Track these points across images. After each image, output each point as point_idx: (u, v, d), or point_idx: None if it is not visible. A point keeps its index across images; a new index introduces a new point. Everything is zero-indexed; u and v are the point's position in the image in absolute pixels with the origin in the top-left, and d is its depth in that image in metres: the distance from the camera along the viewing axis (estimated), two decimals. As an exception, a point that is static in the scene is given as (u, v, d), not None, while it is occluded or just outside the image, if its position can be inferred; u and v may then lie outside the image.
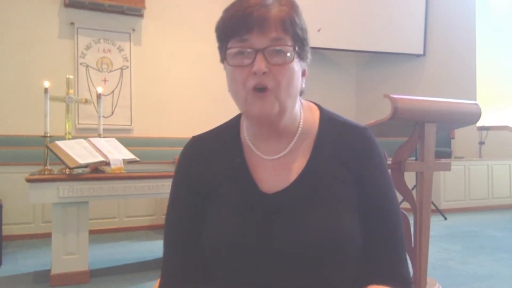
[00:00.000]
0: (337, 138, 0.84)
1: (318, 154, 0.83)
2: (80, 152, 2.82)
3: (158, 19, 5.74)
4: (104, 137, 3.26)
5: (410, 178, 2.34)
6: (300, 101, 0.86)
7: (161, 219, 4.61)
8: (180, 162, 0.91)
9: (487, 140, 6.30)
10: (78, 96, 4.81)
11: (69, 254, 2.76)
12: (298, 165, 0.83)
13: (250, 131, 0.86)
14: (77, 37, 5.25)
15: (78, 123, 5.15)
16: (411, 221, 2.15)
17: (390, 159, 2.10)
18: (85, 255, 2.81)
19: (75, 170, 2.79)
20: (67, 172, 2.78)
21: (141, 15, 5.60)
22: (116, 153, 3.01)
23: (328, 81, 7.01)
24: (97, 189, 2.77)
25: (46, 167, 2.86)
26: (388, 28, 6.71)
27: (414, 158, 3.89)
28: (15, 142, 4.67)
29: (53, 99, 3.12)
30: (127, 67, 5.51)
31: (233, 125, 0.91)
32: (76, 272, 2.75)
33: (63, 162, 2.74)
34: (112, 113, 5.41)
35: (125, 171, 2.94)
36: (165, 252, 0.88)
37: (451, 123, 2.32)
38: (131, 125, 5.52)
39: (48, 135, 2.94)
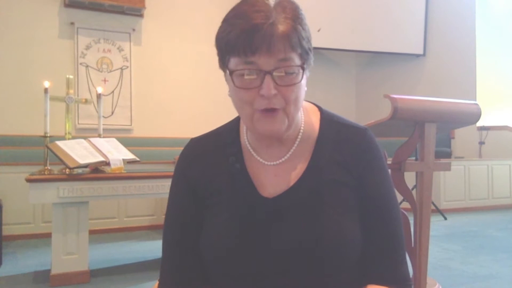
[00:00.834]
0: (337, 139, 0.84)
1: (318, 157, 0.82)
2: (80, 152, 2.82)
3: (158, 19, 5.74)
4: (104, 137, 3.26)
5: (410, 178, 2.34)
6: (302, 104, 0.85)
7: (161, 219, 4.61)
8: (178, 164, 0.90)
9: (487, 140, 6.30)
10: (78, 96, 4.81)
11: (69, 254, 2.76)
12: (298, 170, 0.82)
13: (251, 137, 0.85)
14: (77, 37, 5.25)
15: (78, 123, 5.15)
16: (411, 221, 2.15)
17: (390, 159, 2.10)
18: (85, 255, 2.81)
19: (75, 170, 2.79)
20: (67, 172, 2.78)
21: (141, 15, 5.60)
22: (116, 153, 3.01)
23: (328, 81, 7.01)
24: (97, 189, 2.77)
25: (46, 167, 2.86)
26: (388, 28, 6.71)
27: (414, 158, 3.88)
28: (15, 142, 4.67)
29: (53, 99, 3.11)
30: (127, 67, 5.51)
31: (232, 127, 0.89)
32: (76, 272, 2.75)
33: (63, 162, 2.74)
34: (112, 113, 5.41)
35: (125, 171, 2.94)
36: (164, 254, 0.87)
37: (451, 123, 2.32)
38: (131, 125, 5.52)
39: (48, 135, 2.93)
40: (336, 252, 0.76)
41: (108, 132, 4.48)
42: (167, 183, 2.90)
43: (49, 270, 2.81)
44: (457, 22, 6.64)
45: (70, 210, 2.75)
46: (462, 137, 6.35)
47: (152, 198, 4.48)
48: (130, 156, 3.09)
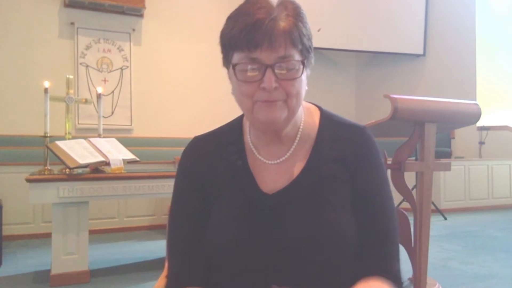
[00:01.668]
0: (335, 137, 0.86)
1: (317, 155, 0.85)
2: (80, 152, 2.82)
3: (158, 19, 5.74)
4: (104, 137, 3.26)
5: (410, 178, 2.34)
6: (303, 103, 0.87)
7: (161, 219, 4.61)
8: (181, 163, 0.92)
9: (487, 140, 6.30)
10: (78, 96, 4.81)
11: (69, 254, 2.76)
12: (298, 167, 0.84)
13: (253, 135, 0.87)
14: (77, 37, 5.25)
15: (78, 123, 5.15)
16: (411, 221, 2.15)
17: (390, 159, 2.10)
18: (85, 255, 2.81)
19: (75, 170, 2.79)
20: (67, 172, 2.78)
21: (141, 15, 5.60)
22: (116, 153, 3.01)
23: (328, 81, 7.01)
24: (97, 189, 2.77)
25: (46, 167, 2.86)
26: (388, 28, 6.71)
27: (414, 158, 3.89)
28: (15, 142, 4.67)
29: (53, 99, 3.11)
30: (127, 67, 5.51)
31: (235, 126, 0.91)
32: (76, 272, 2.75)
33: (63, 162, 2.74)
34: (112, 113, 5.41)
35: (125, 171, 2.94)
36: (170, 250, 0.88)
37: (451, 123, 2.32)
38: (131, 125, 5.52)
39: (48, 135, 2.93)
40: (334, 247, 0.78)
41: (108, 132, 4.48)
42: (167, 183, 2.90)
43: (49, 270, 2.81)
44: (457, 22, 6.64)
45: (70, 210, 2.75)
46: (462, 137, 6.36)
47: (152, 198, 4.48)
48: (130, 156, 3.09)
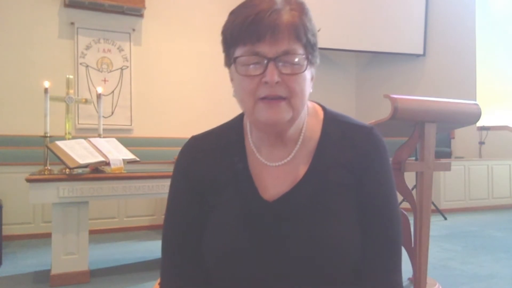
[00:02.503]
0: (340, 139, 0.82)
1: (320, 159, 0.81)
2: (80, 152, 2.82)
3: (158, 19, 5.74)
4: (104, 137, 3.26)
5: (410, 178, 2.34)
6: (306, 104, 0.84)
7: (161, 219, 4.61)
8: (179, 163, 0.89)
9: (487, 140, 6.30)
10: (78, 96, 4.81)
11: (69, 254, 2.76)
12: (300, 172, 0.80)
13: (255, 136, 0.84)
14: (77, 37, 5.25)
15: (78, 123, 5.15)
16: (411, 221, 2.15)
17: (390, 159, 2.11)
18: (85, 255, 2.81)
19: (75, 170, 2.79)
20: (67, 172, 2.78)
21: (141, 15, 5.60)
22: (116, 153, 3.01)
23: (328, 81, 7.01)
24: (97, 189, 2.77)
25: (46, 167, 2.86)
26: (388, 28, 6.71)
27: (414, 158, 3.88)
28: (15, 142, 4.67)
29: (53, 99, 3.11)
30: (127, 67, 5.51)
31: (236, 126, 0.87)
32: (76, 272, 2.75)
33: (63, 162, 2.74)
34: (112, 113, 5.41)
35: (125, 171, 2.94)
36: (164, 254, 0.86)
37: (451, 123, 2.32)
38: (131, 125, 5.52)
39: (48, 135, 2.93)
40: (336, 256, 0.75)
41: (108, 132, 4.48)
42: (167, 183, 2.87)
43: (49, 270, 2.81)
44: (457, 22, 6.64)
45: (70, 210, 2.75)
46: (462, 137, 6.35)
47: (152, 198, 4.48)
48: (130, 156, 3.09)
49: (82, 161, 2.74)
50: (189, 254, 0.83)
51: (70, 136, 3.14)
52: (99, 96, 3.38)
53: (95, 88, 4.67)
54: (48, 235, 3.05)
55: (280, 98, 0.73)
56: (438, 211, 5.22)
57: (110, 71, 5.42)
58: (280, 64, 0.72)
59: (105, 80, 5.37)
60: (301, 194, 0.78)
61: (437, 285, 2.44)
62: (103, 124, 3.41)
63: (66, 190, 2.68)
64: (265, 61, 0.72)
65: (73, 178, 2.72)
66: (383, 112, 2.27)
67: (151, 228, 4.58)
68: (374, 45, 6.76)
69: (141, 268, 3.16)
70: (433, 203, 4.70)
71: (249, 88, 0.74)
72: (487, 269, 3.06)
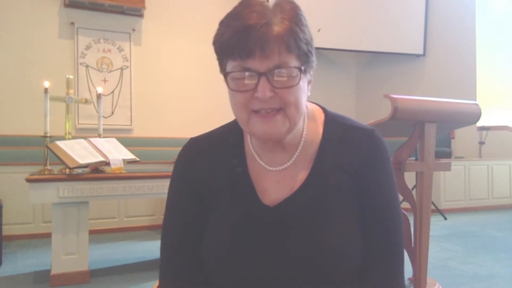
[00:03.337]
0: (341, 142, 0.80)
1: (321, 163, 0.79)
2: (80, 152, 2.82)
3: (158, 19, 5.74)
4: (104, 137, 3.26)
5: (410, 178, 2.34)
6: (306, 107, 0.82)
7: (161, 219, 4.54)
8: (178, 164, 0.88)
9: (487, 140, 6.30)
10: (78, 96, 4.81)
11: (69, 254, 2.76)
12: (301, 176, 0.79)
13: (255, 141, 0.82)
14: (77, 37, 5.25)
15: (78, 123, 5.15)
16: (411, 221, 2.15)
17: (390, 159, 2.11)
18: (85, 255, 2.81)
19: (75, 170, 2.79)
20: (67, 172, 2.78)
21: (141, 15, 5.60)
22: (116, 153, 3.01)
23: (328, 81, 7.01)
24: (97, 189, 2.77)
25: (46, 167, 2.86)
26: (388, 28, 6.71)
27: (414, 158, 3.88)
28: (15, 142, 4.67)
29: (53, 99, 3.11)
30: (127, 67, 5.51)
31: (235, 128, 0.84)
32: (76, 272, 2.75)
33: (63, 162, 2.74)
34: (112, 113, 5.41)
35: (125, 171, 2.94)
36: (163, 255, 0.86)
37: (451, 123, 2.32)
38: (131, 125, 5.52)
39: (48, 135, 2.93)
40: (337, 261, 0.74)
41: (108, 132, 4.48)
42: (167, 183, 2.86)
43: (49, 270, 2.81)
44: (457, 22, 6.64)
45: (70, 210, 2.75)
46: (462, 137, 6.35)
47: (152, 198, 4.48)
48: (130, 156, 3.09)
49: (82, 161, 2.74)
50: (188, 255, 0.83)
51: (70, 136, 3.14)
52: (99, 96, 3.38)
53: (95, 88, 4.67)
54: (48, 235, 3.05)
55: (275, 110, 0.72)
56: (438, 211, 5.22)
57: (110, 71, 5.42)
58: (272, 77, 0.70)
59: (105, 80, 5.37)
60: (302, 199, 0.77)
61: (437, 285, 2.44)
62: (103, 124, 3.41)
63: (66, 190, 2.68)
64: (257, 76, 0.70)
65: (73, 178, 2.72)
66: (383, 112, 2.27)
67: (151, 228, 4.58)
68: (374, 45, 6.76)
69: (141, 268, 3.16)
70: (433, 203, 4.70)
71: (242, 102, 0.72)
72: (487, 269, 3.06)
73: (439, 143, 4.21)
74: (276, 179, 0.80)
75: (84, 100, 3.41)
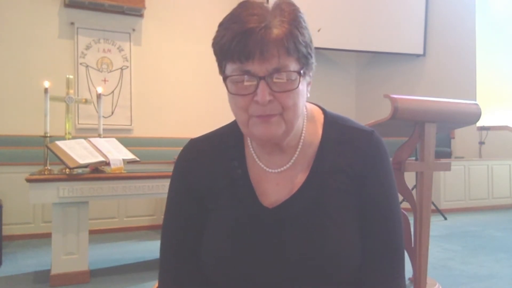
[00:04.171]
0: (340, 143, 0.81)
1: (320, 165, 0.79)
2: (80, 152, 2.82)
3: (158, 19, 5.74)
4: (104, 137, 3.26)
5: (410, 178, 2.34)
6: (305, 108, 0.83)
7: (161, 219, 4.56)
8: (177, 166, 0.88)
9: (487, 140, 6.30)
10: (78, 96, 4.81)
11: (69, 254, 2.76)
12: (300, 178, 0.79)
13: (254, 143, 0.83)
14: (77, 37, 5.25)
15: (78, 123, 5.15)
16: (411, 221, 2.15)
17: (390, 159, 2.11)
18: (85, 255, 2.81)
19: (75, 170, 2.79)
20: (67, 172, 2.78)
21: (141, 15, 5.60)
22: (116, 153, 3.01)
23: (328, 81, 7.01)
24: (97, 189, 2.77)
25: (46, 167, 2.86)
26: (388, 28, 6.71)
27: (414, 158, 3.88)
28: (15, 142, 4.67)
29: (53, 99, 3.11)
30: (127, 67, 5.51)
31: (235, 129, 0.84)
32: (76, 272, 2.75)
33: (63, 162, 2.74)
34: (112, 113, 5.41)
35: (125, 171, 2.94)
36: (162, 258, 0.86)
37: (451, 123, 2.32)
38: (131, 125, 5.52)
39: (48, 135, 2.93)
40: (336, 263, 0.74)
41: (108, 132, 4.48)
42: (167, 183, 2.87)
43: (49, 270, 2.81)
44: (457, 22, 6.64)
45: (70, 210, 2.75)
46: (462, 137, 6.35)
47: (152, 198, 4.48)
48: (130, 156, 3.09)
49: (82, 161, 2.74)
50: (188, 256, 0.83)
51: (70, 136, 3.14)
52: (99, 96, 3.38)
53: (95, 88, 4.67)
54: (48, 235, 3.05)
55: (273, 114, 0.72)
56: (438, 211, 5.22)
57: (110, 71, 5.42)
58: (271, 81, 0.70)
59: (105, 80, 5.37)
60: (301, 201, 0.77)
61: (437, 285, 2.44)
62: (103, 124, 3.41)
63: (66, 190, 2.69)
64: (256, 80, 0.70)
65: (73, 178, 2.72)
66: (383, 112, 2.27)
67: (151, 228, 4.58)
68: (374, 45, 6.76)
69: (141, 268, 3.16)
70: (433, 203, 4.70)
71: (241, 105, 0.73)
72: (487, 269, 3.06)
73: (439, 143, 4.21)
74: (276, 181, 0.80)
75: (84, 100, 3.41)
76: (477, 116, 2.24)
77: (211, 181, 0.83)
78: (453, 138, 6.38)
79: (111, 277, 2.91)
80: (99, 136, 3.25)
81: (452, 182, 5.72)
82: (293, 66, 0.71)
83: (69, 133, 3.16)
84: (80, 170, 2.86)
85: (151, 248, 3.72)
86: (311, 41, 0.75)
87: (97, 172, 2.95)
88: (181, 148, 0.90)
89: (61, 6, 5.22)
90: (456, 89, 6.43)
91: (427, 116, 2.11)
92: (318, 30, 5.94)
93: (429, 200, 2.22)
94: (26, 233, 4.08)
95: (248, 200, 0.79)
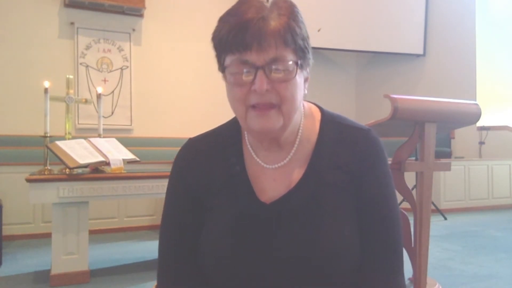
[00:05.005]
0: (337, 142, 0.81)
1: (317, 161, 0.80)
2: (80, 152, 2.82)
3: (158, 19, 5.74)
4: (104, 137, 3.26)
5: (410, 178, 2.33)
6: (302, 105, 0.84)
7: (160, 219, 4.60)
8: (175, 165, 0.89)
9: (487, 140, 6.30)
10: (78, 96, 4.81)
11: (69, 254, 2.76)
12: (297, 174, 0.80)
13: (252, 139, 0.84)
14: (77, 37, 5.25)
15: (78, 123, 5.15)
16: (411, 221, 2.15)
17: (390, 159, 2.10)
18: (85, 255, 2.81)
19: (75, 170, 2.79)
20: (67, 172, 2.78)
21: (141, 15, 5.60)
22: (116, 153, 3.01)
23: (328, 81, 7.01)
24: (97, 189, 2.77)
25: (46, 167, 2.86)
26: (388, 28, 6.71)
27: (414, 158, 3.89)
28: (15, 142, 4.67)
29: (53, 99, 3.11)
30: (127, 67, 5.51)
31: (233, 127, 0.87)
32: (76, 272, 2.75)
33: (63, 162, 2.74)
34: (112, 113, 5.41)
35: (125, 171, 2.94)
36: (160, 257, 0.86)
37: (451, 123, 2.32)
38: (131, 125, 5.52)
39: (48, 135, 2.93)
40: (334, 259, 0.74)
41: (108, 132, 4.48)
42: (167, 183, 2.89)
43: (49, 270, 2.81)
44: (457, 22, 6.64)
45: (70, 210, 2.75)
46: (462, 137, 6.35)
47: (152, 198, 4.48)
48: (130, 156, 3.09)
49: (82, 161, 2.74)
50: (186, 256, 0.83)
51: (70, 136, 3.14)
52: (99, 96, 3.38)
53: (95, 88, 4.67)
54: (48, 235, 3.05)
55: (271, 106, 0.73)
56: (438, 211, 5.22)
57: (110, 71, 5.42)
58: (269, 71, 0.72)
59: (105, 80, 5.37)
60: (298, 196, 0.78)
61: (437, 285, 2.44)
62: (103, 124, 3.41)
63: (66, 190, 2.69)
64: (254, 70, 0.71)
65: (73, 178, 2.72)
66: (383, 112, 2.27)
67: (151, 228, 4.58)
68: (374, 45, 6.76)
69: (141, 268, 3.16)
70: (433, 203, 4.70)
71: (239, 96, 0.74)
72: (487, 269, 3.06)
73: (439, 143, 4.21)
74: (273, 177, 0.81)
75: (84, 100, 3.41)
76: (477, 116, 2.24)
77: (209, 180, 0.83)
78: (453, 138, 6.38)
79: (111, 277, 2.91)
80: (99, 136, 3.25)
81: (452, 182, 5.72)
82: (290, 57, 0.73)
83: (69, 133, 3.16)
84: (80, 170, 2.86)
85: (151, 248, 3.72)
86: (308, 37, 0.76)
87: (97, 172, 2.95)
88: (180, 148, 0.91)
89: (61, 6, 5.22)
90: (456, 89, 6.43)
91: (427, 116, 2.11)
92: (318, 30, 5.94)
93: (429, 200, 2.22)
94: (26, 233, 4.08)
95: (246, 196, 0.80)
